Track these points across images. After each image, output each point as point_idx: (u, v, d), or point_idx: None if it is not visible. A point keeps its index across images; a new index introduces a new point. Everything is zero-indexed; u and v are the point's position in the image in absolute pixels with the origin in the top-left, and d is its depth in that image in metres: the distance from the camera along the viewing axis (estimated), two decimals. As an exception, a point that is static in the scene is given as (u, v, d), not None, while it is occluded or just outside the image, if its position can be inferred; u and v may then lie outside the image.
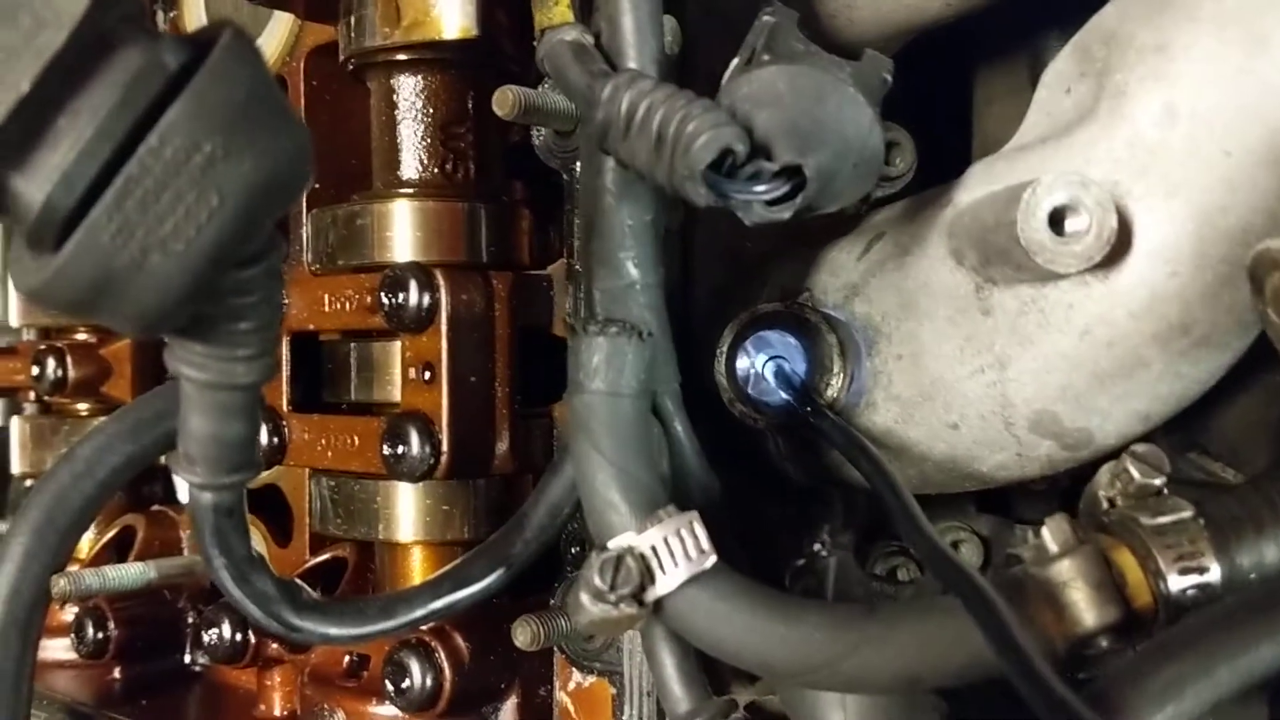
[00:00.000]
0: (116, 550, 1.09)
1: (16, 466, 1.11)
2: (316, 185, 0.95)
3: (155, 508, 1.10)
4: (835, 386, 0.81)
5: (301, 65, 0.93)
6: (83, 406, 1.11)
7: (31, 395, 1.12)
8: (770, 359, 0.86)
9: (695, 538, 0.60)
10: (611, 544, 0.60)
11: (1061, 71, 0.71)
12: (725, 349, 0.84)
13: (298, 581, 0.65)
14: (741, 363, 0.85)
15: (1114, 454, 0.70)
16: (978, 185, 0.72)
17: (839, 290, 0.81)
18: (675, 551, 0.59)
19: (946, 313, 0.72)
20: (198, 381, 0.53)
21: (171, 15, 1.07)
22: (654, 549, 0.59)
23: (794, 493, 0.91)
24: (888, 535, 0.93)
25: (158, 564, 0.96)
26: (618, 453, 0.63)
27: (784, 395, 0.84)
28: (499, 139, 0.83)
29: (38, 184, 0.45)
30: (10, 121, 0.44)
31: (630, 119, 0.64)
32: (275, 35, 0.96)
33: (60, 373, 1.04)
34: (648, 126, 0.63)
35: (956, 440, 0.74)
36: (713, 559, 0.59)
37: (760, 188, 0.62)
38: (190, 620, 1.05)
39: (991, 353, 0.70)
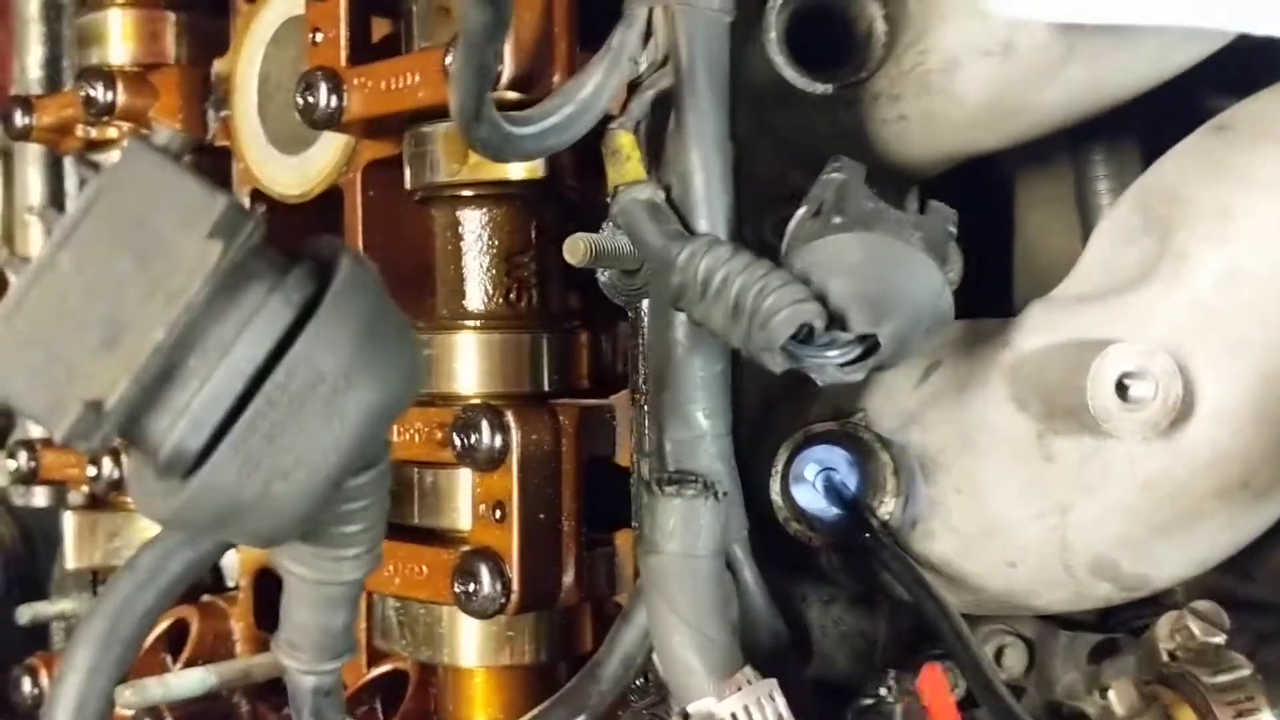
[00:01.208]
0: (169, 643, 1.11)
1: (70, 561, 1.13)
2: (372, 295, 0.96)
3: (206, 598, 1.12)
4: (890, 506, 0.82)
5: (359, 178, 0.95)
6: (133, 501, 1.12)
7: (84, 489, 1.14)
8: (821, 470, 0.88)
9: (775, 706, 0.61)
10: (691, 709, 0.62)
11: (1122, 223, 0.73)
12: (780, 468, 0.85)
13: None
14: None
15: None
16: (1038, 332, 0.73)
17: (895, 416, 0.83)
18: None
19: (1007, 454, 0.74)
20: (305, 579, 0.54)
21: (223, 115, 1.08)
22: (734, 716, 0.61)
23: (844, 599, 0.93)
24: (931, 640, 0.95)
25: (217, 669, 0.97)
26: (694, 614, 0.65)
27: (835, 509, 0.85)
28: (559, 265, 0.85)
29: (168, 422, 0.47)
30: (146, 368, 0.45)
31: (707, 284, 0.66)
32: (331, 146, 0.97)
33: (118, 473, 1.06)
34: (724, 294, 0.65)
35: (1014, 577, 0.76)
36: (793, 728, 0.61)
37: (834, 353, 0.64)
38: (245, 712, 1.07)
39: (1053, 498, 0.72)
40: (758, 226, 0.89)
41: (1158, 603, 0.80)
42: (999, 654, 0.97)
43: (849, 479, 0.87)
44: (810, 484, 0.88)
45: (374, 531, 0.54)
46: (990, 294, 1.02)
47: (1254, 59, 0.77)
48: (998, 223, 1.03)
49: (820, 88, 0.83)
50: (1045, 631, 0.98)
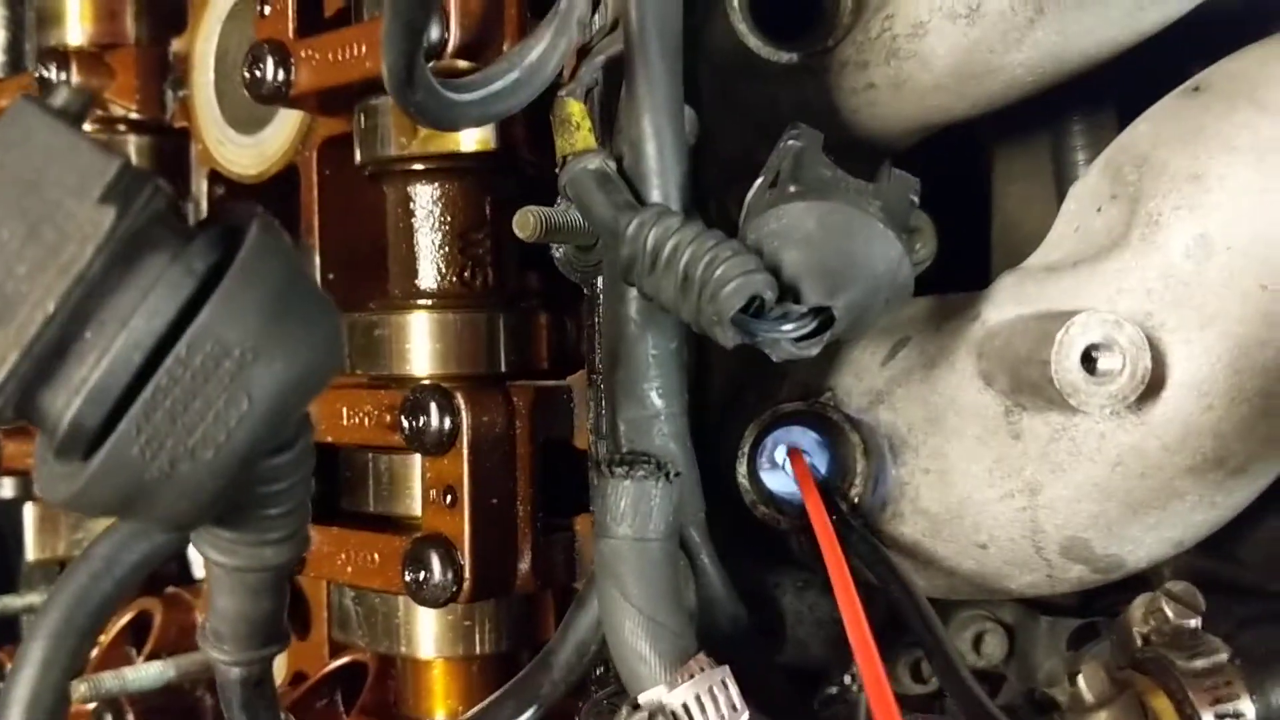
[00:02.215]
0: (132, 634, 1.08)
1: (31, 553, 1.11)
2: (331, 276, 0.94)
3: (170, 590, 1.09)
4: (859, 489, 0.80)
5: (314, 156, 0.92)
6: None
7: (45, 479, 1.11)
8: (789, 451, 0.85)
9: (728, 694, 0.59)
10: (642, 699, 0.60)
11: (1092, 188, 0.70)
12: (747, 450, 0.83)
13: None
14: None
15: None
16: (1007, 304, 0.71)
17: (863, 395, 0.80)
18: (708, 709, 0.58)
19: (975, 432, 0.71)
20: (225, 566, 0.52)
21: (182, 95, 1.05)
22: (685, 707, 0.59)
23: (817, 585, 0.91)
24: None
25: (176, 662, 0.95)
26: (646, 600, 0.62)
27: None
28: (516, 242, 0.82)
29: (64, 398, 0.44)
30: (35, 341, 0.43)
31: (656, 256, 0.63)
32: (287, 125, 0.95)
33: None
34: (674, 265, 0.62)
35: (985, 559, 0.73)
36: (745, 717, 0.59)
37: (788, 327, 0.62)
38: (208, 706, 1.04)
39: (1021, 478, 0.69)
40: (723, 203, 0.87)
41: (1141, 587, 0.78)
42: (978, 640, 0.94)
43: (819, 461, 0.85)
44: (781, 468, 0.85)
45: (296, 515, 0.52)
46: (969, 272, 0.99)
47: (1239, 26, 0.75)
48: (975, 199, 1.00)
49: (786, 57, 0.80)
50: (1026, 617, 0.95)
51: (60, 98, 0.46)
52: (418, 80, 0.58)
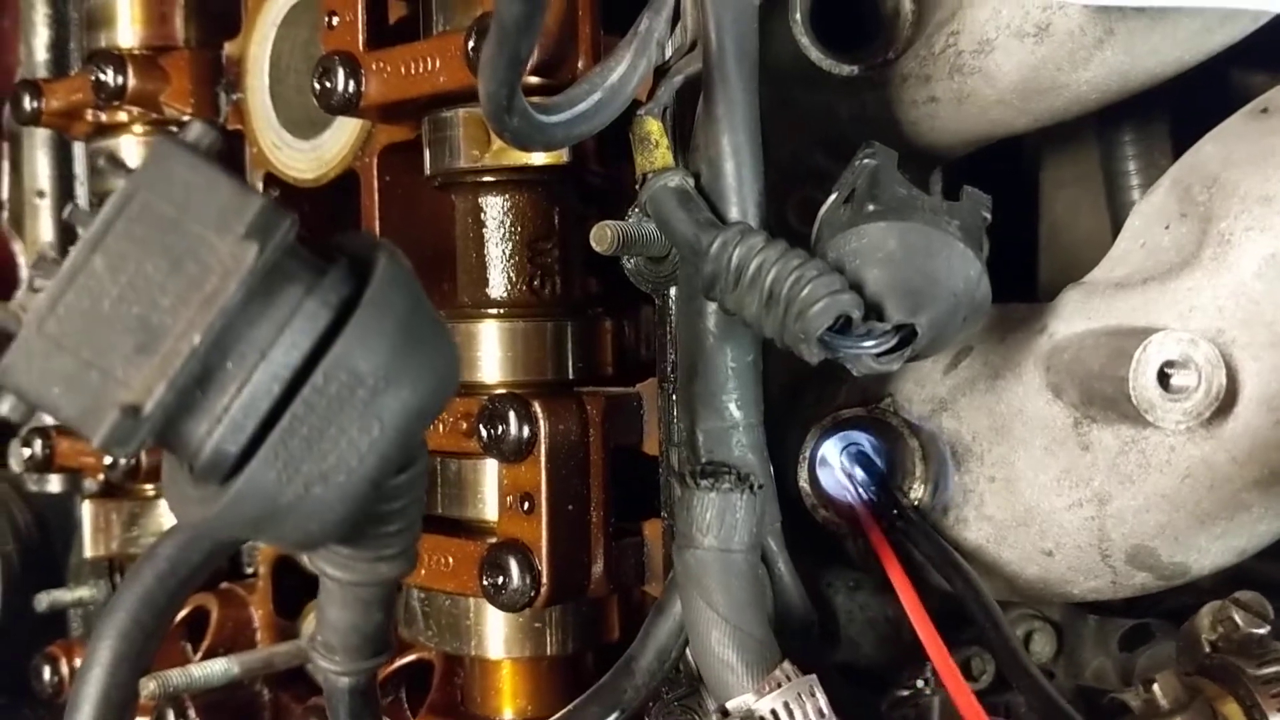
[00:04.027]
0: (189, 631, 1.10)
1: (88, 550, 1.12)
2: (390, 281, 0.95)
3: (224, 585, 1.11)
4: (919, 491, 0.81)
5: (374, 162, 0.93)
6: (150, 488, 1.12)
7: (100, 477, 1.13)
8: (846, 447, 0.87)
9: (815, 701, 0.61)
10: (731, 706, 0.61)
11: (1160, 206, 0.71)
12: (807, 455, 0.84)
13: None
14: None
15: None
16: (1075, 318, 0.72)
17: (925, 402, 0.82)
18: (796, 716, 0.60)
19: (1043, 443, 0.73)
20: (340, 580, 0.54)
21: (235, 98, 1.06)
22: (774, 713, 0.60)
23: (870, 585, 0.93)
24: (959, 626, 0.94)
25: (241, 659, 0.97)
26: (731, 610, 0.64)
27: (864, 494, 0.84)
28: (582, 250, 0.84)
29: (206, 427, 0.45)
30: (181, 373, 0.44)
31: (740, 274, 0.65)
32: (346, 130, 0.96)
33: (134, 461, 1.05)
34: (758, 284, 0.64)
35: (1050, 565, 0.75)
36: (833, 723, 0.60)
37: (870, 343, 0.63)
38: (266, 701, 1.06)
39: (1090, 487, 0.71)
40: (780, 206, 0.88)
41: (1189, 589, 0.80)
42: (1027, 639, 0.96)
43: (878, 463, 0.86)
44: (832, 467, 0.87)
45: (411, 532, 0.53)
46: (1013, 274, 1.00)
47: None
48: (1020, 201, 1.02)
49: (847, 69, 0.81)
50: (1073, 616, 0.97)
51: (194, 133, 0.47)
52: (515, 107, 0.59)
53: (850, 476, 0.84)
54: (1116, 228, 0.94)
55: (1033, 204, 1.02)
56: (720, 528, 0.64)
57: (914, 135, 0.85)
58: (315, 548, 0.51)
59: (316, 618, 0.56)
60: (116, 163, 0.45)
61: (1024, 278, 1.04)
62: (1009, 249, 1.01)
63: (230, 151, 1.09)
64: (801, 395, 0.89)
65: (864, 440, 0.85)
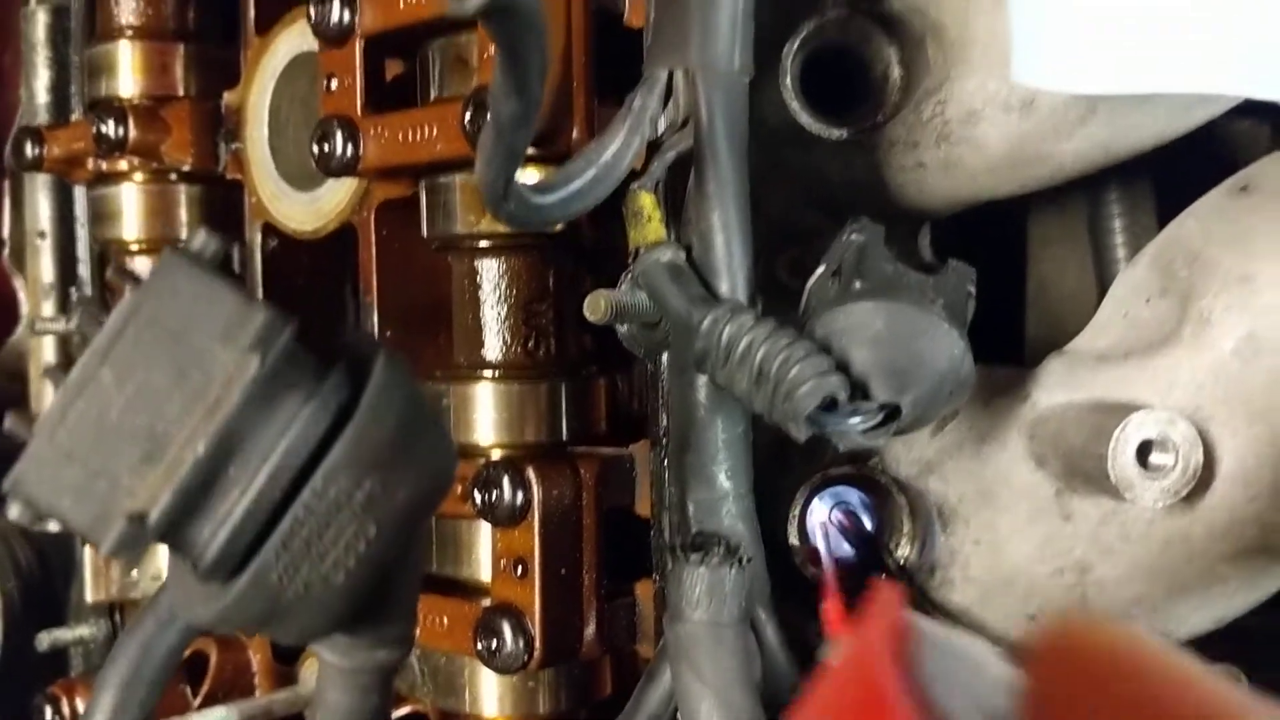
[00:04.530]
0: (188, 675, 1.11)
1: (89, 594, 1.14)
2: (388, 334, 0.96)
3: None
4: (906, 549, 0.83)
5: (372, 217, 0.95)
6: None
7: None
8: (835, 505, 0.88)
9: (802, 774, 0.62)
10: (720, 778, 0.63)
11: (1141, 279, 0.73)
12: (797, 513, 0.86)
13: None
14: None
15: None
16: (1057, 388, 0.74)
17: (913, 463, 0.83)
18: (783, 789, 0.62)
19: (1026, 510, 0.74)
20: (339, 667, 0.55)
21: (234, 148, 1.08)
22: (761, 785, 0.62)
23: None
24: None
25: (239, 707, 0.98)
26: (720, 682, 0.65)
27: (849, 547, 0.86)
28: (575, 311, 0.85)
29: (210, 530, 0.47)
30: (187, 480, 0.46)
31: (730, 351, 0.66)
32: (344, 185, 0.97)
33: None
34: (748, 362, 0.66)
35: (1034, 629, 0.76)
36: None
37: (856, 420, 0.65)
38: (263, 745, 1.07)
39: (1072, 556, 0.72)
40: (770, 263, 0.90)
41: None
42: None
43: (864, 519, 0.88)
44: (827, 522, 0.88)
45: (408, 620, 0.55)
46: (1001, 329, 1.02)
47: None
48: (1008, 256, 1.03)
49: (835, 133, 0.83)
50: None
51: (198, 243, 0.48)
52: (511, 193, 0.61)
53: (825, 533, 0.86)
54: (1102, 286, 0.96)
55: (1020, 259, 1.04)
56: (710, 602, 0.66)
57: (902, 197, 0.87)
58: (317, 640, 0.52)
59: (315, 699, 0.58)
60: (125, 273, 0.46)
61: (1006, 329, 1.06)
62: (996, 303, 1.03)
63: (228, 200, 1.10)
64: (790, 451, 0.91)
65: (853, 497, 0.87)
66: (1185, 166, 0.82)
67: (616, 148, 0.70)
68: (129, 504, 0.46)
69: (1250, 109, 0.85)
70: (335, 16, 0.84)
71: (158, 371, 0.46)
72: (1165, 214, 0.92)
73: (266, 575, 0.47)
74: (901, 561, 0.83)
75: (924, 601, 0.81)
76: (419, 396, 0.51)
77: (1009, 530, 0.75)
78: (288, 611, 0.48)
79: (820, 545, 0.83)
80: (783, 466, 0.91)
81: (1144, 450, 0.65)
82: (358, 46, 0.85)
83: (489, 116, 0.56)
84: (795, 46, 0.79)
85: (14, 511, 0.48)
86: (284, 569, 0.47)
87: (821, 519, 0.86)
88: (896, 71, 0.81)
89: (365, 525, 0.48)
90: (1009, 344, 1.03)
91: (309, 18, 0.86)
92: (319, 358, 0.50)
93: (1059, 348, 0.80)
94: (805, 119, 0.83)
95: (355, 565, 0.49)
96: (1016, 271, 1.03)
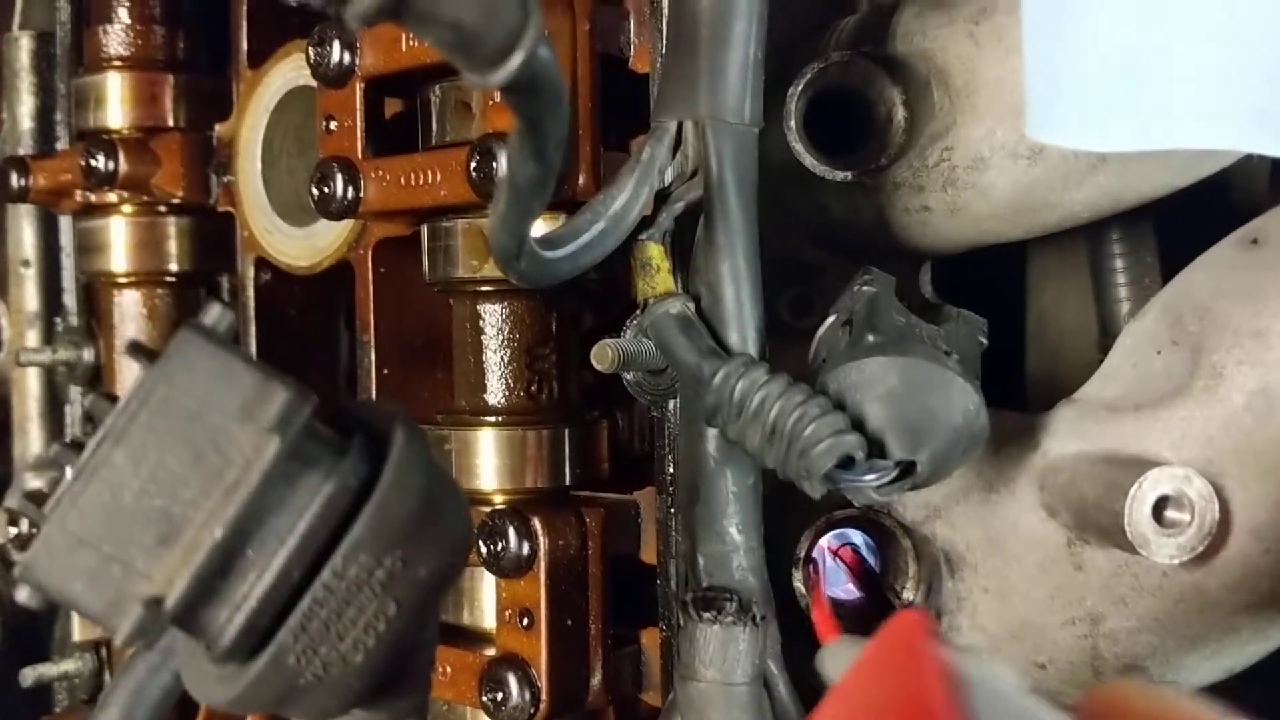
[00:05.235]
0: (180, 714, 1.10)
1: (77, 634, 1.12)
2: (385, 371, 0.95)
3: (214, 666, 1.10)
4: (911, 592, 0.82)
5: (369, 255, 0.94)
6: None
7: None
8: (841, 545, 0.88)
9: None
10: (734, 839, 0.62)
11: (1150, 330, 0.73)
12: (802, 555, 0.85)
13: None
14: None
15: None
16: (1068, 438, 0.73)
17: (919, 508, 0.82)
18: None
19: (1037, 559, 0.74)
20: (355, 740, 0.54)
21: (226, 180, 1.06)
22: (776, 847, 0.61)
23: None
24: None
25: (233, 751, 0.97)
26: (734, 741, 0.64)
27: (855, 589, 0.85)
28: (578, 355, 0.84)
29: (227, 613, 0.46)
30: (204, 564, 0.45)
31: (742, 407, 0.66)
32: (340, 222, 0.96)
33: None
34: (761, 417, 0.65)
35: (1044, 679, 0.76)
36: None
37: (872, 477, 0.64)
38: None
39: (1083, 607, 0.72)
40: (773, 301, 0.89)
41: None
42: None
43: (869, 559, 0.87)
44: (831, 563, 0.88)
45: (423, 690, 0.54)
46: (996, 357, 1.02)
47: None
48: (1008, 291, 1.03)
49: (840, 175, 0.82)
50: None
51: (212, 317, 0.47)
52: (524, 253, 0.60)
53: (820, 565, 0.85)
54: (1102, 322, 0.96)
55: (1019, 293, 1.03)
56: (723, 661, 0.65)
57: (906, 239, 0.86)
58: (335, 718, 0.51)
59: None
60: (140, 350, 0.45)
61: (1006, 362, 1.05)
62: (995, 338, 1.03)
63: (220, 232, 1.09)
64: (794, 492, 0.90)
65: (858, 539, 0.87)
66: (1183, 197, 0.82)
67: (625, 199, 0.69)
68: (145, 589, 0.44)
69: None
70: (335, 58, 0.82)
71: (173, 453, 0.45)
72: (1164, 245, 0.92)
73: (284, 658, 0.46)
74: (908, 605, 0.82)
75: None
76: (439, 468, 0.50)
77: (1019, 579, 0.75)
78: (305, 693, 0.47)
79: (816, 559, 0.83)
80: (787, 509, 0.90)
81: (1159, 506, 0.65)
82: (358, 88, 0.84)
83: (505, 178, 0.55)
84: (799, 89, 0.79)
85: (23, 595, 0.46)
86: (302, 650, 0.46)
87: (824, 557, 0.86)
88: (901, 114, 0.81)
89: (386, 604, 0.47)
90: (1008, 377, 1.03)
91: (308, 59, 0.85)
92: (336, 427, 0.49)
93: (1060, 385, 0.80)
94: (809, 161, 0.82)
95: (375, 644, 0.48)
96: (1015, 305, 1.03)
